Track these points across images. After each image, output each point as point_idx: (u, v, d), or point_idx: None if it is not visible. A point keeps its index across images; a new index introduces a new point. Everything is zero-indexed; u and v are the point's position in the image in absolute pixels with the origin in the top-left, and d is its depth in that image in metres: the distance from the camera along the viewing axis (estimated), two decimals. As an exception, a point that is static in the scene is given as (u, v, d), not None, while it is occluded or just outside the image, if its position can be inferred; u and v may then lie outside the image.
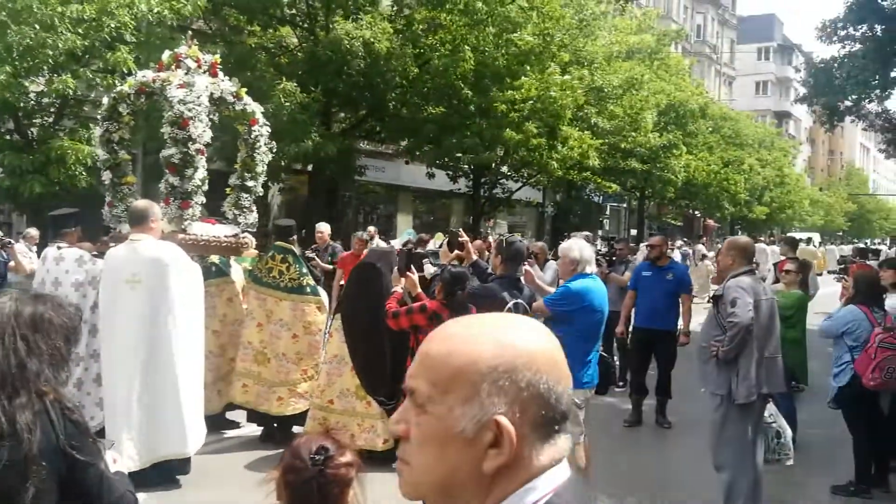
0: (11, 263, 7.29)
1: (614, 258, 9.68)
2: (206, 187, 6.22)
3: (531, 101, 17.14)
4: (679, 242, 27.22)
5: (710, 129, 33.27)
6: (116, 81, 12.24)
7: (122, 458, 5.29)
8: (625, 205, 39.00)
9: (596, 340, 5.35)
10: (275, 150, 6.96)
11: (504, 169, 22.84)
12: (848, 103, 17.45)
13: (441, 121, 17.70)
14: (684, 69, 31.52)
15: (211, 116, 6.43)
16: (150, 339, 5.40)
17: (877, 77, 15.80)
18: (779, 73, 63.44)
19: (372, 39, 14.57)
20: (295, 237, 6.87)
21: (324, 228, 11.29)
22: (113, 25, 13.70)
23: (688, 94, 29.14)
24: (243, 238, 6.56)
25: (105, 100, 6.46)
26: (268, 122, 6.79)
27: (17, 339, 2.10)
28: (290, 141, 15.06)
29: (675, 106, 27.89)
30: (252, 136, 6.63)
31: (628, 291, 8.29)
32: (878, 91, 16.53)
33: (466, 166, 22.43)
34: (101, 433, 5.68)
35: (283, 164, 16.35)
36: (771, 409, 5.36)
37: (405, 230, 24.15)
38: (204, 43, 15.64)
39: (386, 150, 23.13)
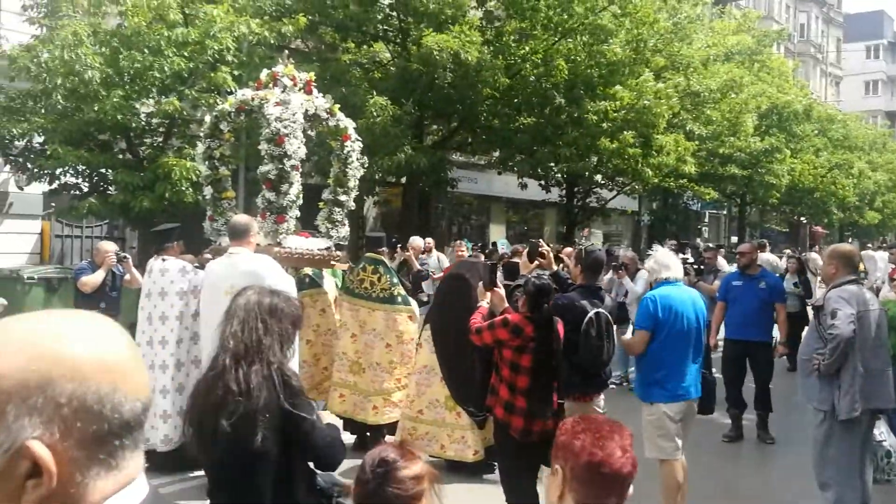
0: (127, 277, 7.67)
1: (702, 266, 9.41)
2: (300, 202, 6.40)
3: (625, 111, 16.89)
4: (787, 251, 26.13)
5: (816, 131, 31.97)
6: (218, 101, 12.83)
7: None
8: (724, 212, 37.90)
9: (685, 349, 5.14)
10: (366, 165, 7.08)
11: (598, 178, 22.60)
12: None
13: (533, 131, 17.66)
14: (787, 70, 30.40)
15: (307, 132, 6.64)
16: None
17: None
18: (889, 72, 60.38)
19: (460, 50, 14.66)
20: (385, 248, 6.99)
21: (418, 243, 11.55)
22: (216, 48, 14.33)
23: (791, 95, 28.08)
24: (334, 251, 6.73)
25: (207, 118, 6.77)
26: (360, 138, 6.94)
27: (258, 321, 2.70)
28: (383, 154, 15.35)
29: (777, 108, 26.94)
30: (344, 152, 6.81)
31: (718, 303, 8.03)
32: None
33: (559, 176, 22.32)
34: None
35: (376, 177, 16.66)
36: (882, 427, 5.11)
37: (498, 240, 24.22)
38: (300, 61, 16.18)
39: (478, 161, 23.24)
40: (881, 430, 5.05)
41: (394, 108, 15.38)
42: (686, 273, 9.26)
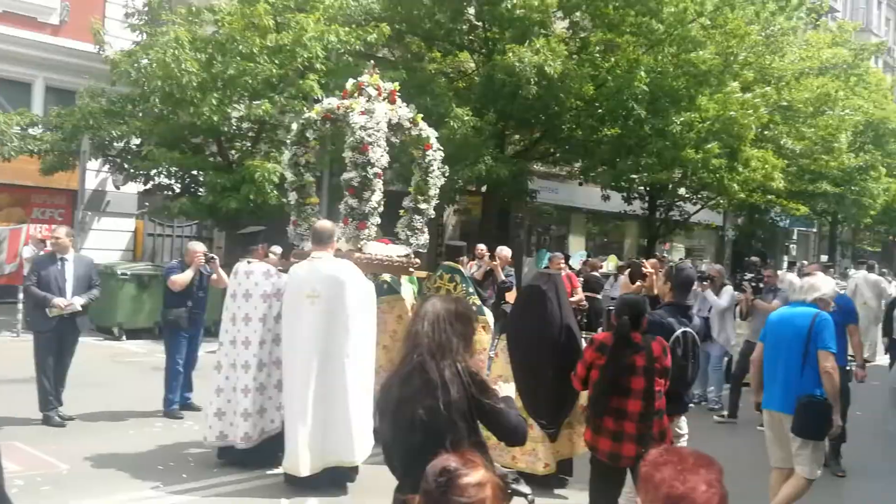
0: (214, 277, 7.96)
1: (762, 285, 9.14)
2: (381, 209, 6.52)
3: (709, 122, 16.56)
4: (884, 270, 24.95)
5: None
6: (305, 108, 13.19)
7: (298, 462, 5.67)
8: (814, 230, 36.61)
9: (774, 360, 5.35)
10: (447, 174, 7.16)
11: (681, 191, 22.20)
12: None
13: (616, 142, 17.48)
14: (885, 85, 29.18)
15: (391, 139, 6.76)
16: (325, 350, 5.74)
17: None
18: None
19: (544, 64, 14.64)
20: (464, 258, 7.04)
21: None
22: (305, 55, 14.71)
23: (888, 111, 26.93)
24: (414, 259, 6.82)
25: (294, 125, 6.97)
26: (441, 147, 7.01)
27: (446, 324, 3.05)
28: (463, 164, 15.44)
29: (873, 124, 25.90)
30: (426, 161, 6.90)
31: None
32: None
33: (642, 188, 22.02)
34: (279, 436, 6.11)
35: (457, 186, 16.75)
36: None
37: (577, 252, 24.02)
38: (385, 69, 16.45)
39: (559, 172, 23.12)
40: None
41: (475, 119, 15.45)
42: (743, 291, 9.10)
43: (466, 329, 3.15)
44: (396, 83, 6.99)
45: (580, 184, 22.37)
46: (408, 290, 7.47)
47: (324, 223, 6.04)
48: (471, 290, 6.84)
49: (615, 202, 22.32)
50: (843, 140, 22.38)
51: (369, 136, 6.18)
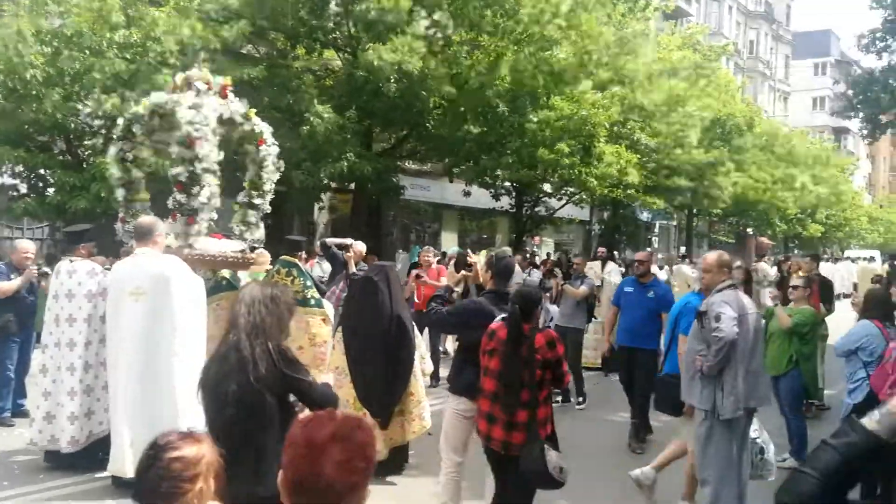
0: (43, 283, 7.67)
1: (571, 271, 9.75)
2: (217, 204, 6.46)
3: (563, 121, 17.18)
4: (738, 263, 26.44)
5: (761, 146, 32.72)
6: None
7: (124, 464, 5.57)
8: (674, 223, 38.54)
9: None
10: (282, 169, 7.14)
11: (546, 187, 22.91)
12: (890, 117, 17.05)
13: (479, 140, 17.86)
14: (733, 85, 31.07)
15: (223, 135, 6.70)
16: (150, 349, 5.66)
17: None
18: (836, 89, 62.09)
19: (402, 62, 14.81)
20: (303, 252, 7.06)
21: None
22: (158, 50, 14.31)
23: (735, 109, 28.70)
24: (258, 253, 6.79)
25: (120, 120, 6.81)
26: (276, 142, 7.00)
27: (262, 306, 3.33)
28: (326, 161, 15.43)
29: (720, 121, 27.54)
30: (260, 156, 6.88)
31: (611, 307, 8.25)
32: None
33: (508, 184, 22.60)
34: (108, 439, 5.97)
35: (323, 183, 16.69)
36: (755, 425, 5.35)
37: (450, 248, 24.39)
38: (245, 65, 16.22)
39: (431, 170, 23.42)
40: (755, 428, 5.30)
41: (337, 116, 15.46)
42: (554, 276, 9.68)
43: (281, 311, 3.42)
44: (228, 77, 6.91)
45: (450, 181, 22.76)
46: None
47: (145, 218, 5.96)
48: (308, 283, 6.86)
49: (487, 198, 22.84)
50: (692, 136, 23.68)
51: (196, 130, 6.12)
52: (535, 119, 17.15)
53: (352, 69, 16.34)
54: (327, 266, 9.58)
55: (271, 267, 6.96)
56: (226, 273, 7.02)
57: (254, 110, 6.86)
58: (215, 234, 6.67)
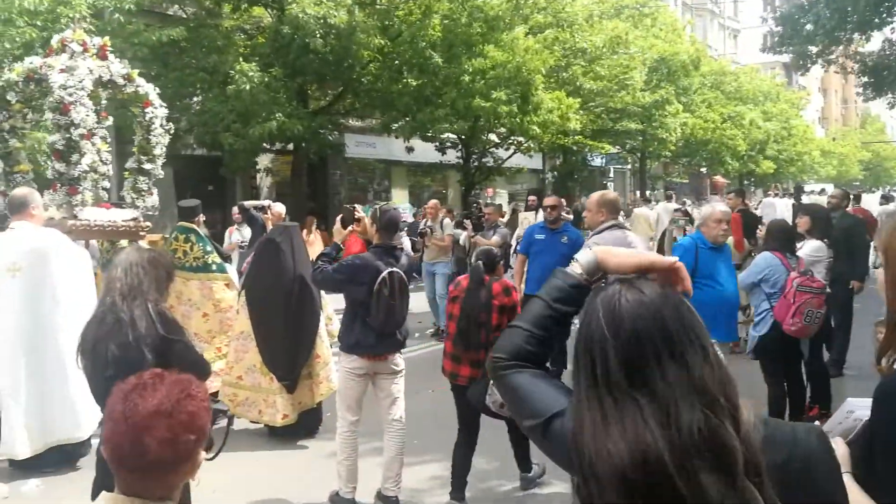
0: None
1: (483, 221, 9.67)
2: (99, 173, 6.18)
3: (498, 69, 16.88)
4: (686, 200, 26.65)
5: (709, 84, 32.70)
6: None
7: (15, 444, 5.37)
8: (629, 167, 38.59)
9: None
10: (171, 131, 6.86)
11: (491, 137, 22.67)
12: (816, 49, 17.03)
13: (416, 93, 17.52)
14: (679, 24, 30.88)
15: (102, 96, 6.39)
16: (32, 326, 5.44)
17: (846, 24, 15.35)
18: (766, 27, 62.11)
19: (327, 16, 14.40)
20: (200, 217, 6.81)
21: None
22: (71, 16, 13.70)
23: (679, 48, 28.53)
24: (144, 222, 6.54)
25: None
26: (165, 105, 6.70)
27: (139, 268, 3.40)
28: (255, 121, 15.04)
29: (665, 61, 27.38)
30: (146, 119, 6.58)
31: (518, 255, 7.93)
32: (846, 35, 16.07)
33: (455, 137, 22.33)
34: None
35: (255, 145, 16.30)
36: None
37: (400, 204, 24.14)
38: (166, 25, 15.68)
39: (376, 127, 23.05)
40: None
41: (262, 74, 15.02)
42: (464, 228, 9.59)
43: (159, 273, 3.51)
44: (107, 38, 6.57)
45: (396, 137, 22.40)
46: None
47: (18, 190, 5.66)
48: (208, 248, 6.65)
49: (433, 153, 22.57)
50: (636, 78, 23.52)
51: (70, 95, 5.81)
52: (470, 69, 16.80)
53: (278, 25, 15.86)
54: (248, 232, 9.35)
55: (167, 236, 6.73)
56: (124, 243, 6.77)
57: (137, 71, 6.54)
58: (102, 204, 6.39)
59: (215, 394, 6.54)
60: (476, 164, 23.76)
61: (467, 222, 9.50)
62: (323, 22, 14.72)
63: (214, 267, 6.64)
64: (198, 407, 1.78)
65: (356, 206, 5.35)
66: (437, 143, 22.21)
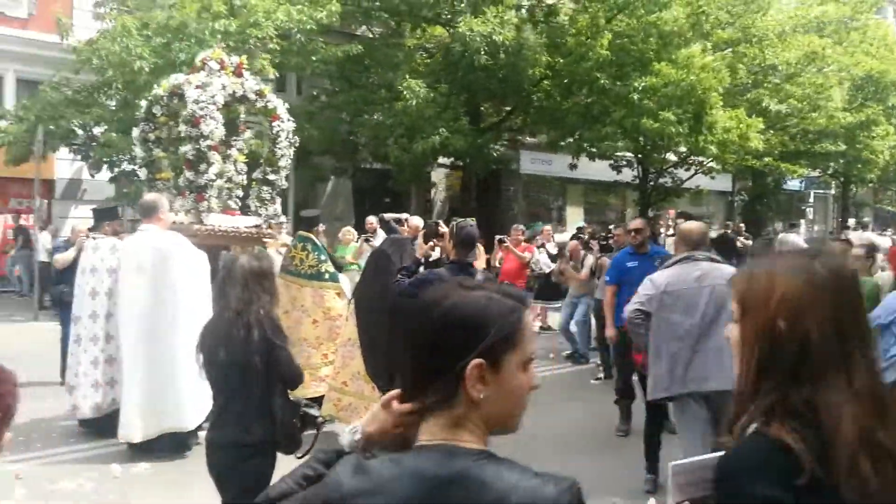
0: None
1: (611, 243, 9.15)
2: (225, 181, 6.62)
3: (669, 87, 16.21)
4: (890, 231, 24.29)
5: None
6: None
7: (131, 429, 5.85)
8: (832, 191, 35.69)
9: None
10: (296, 144, 7.21)
11: (669, 157, 21.83)
12: None
13: (584, 111, 17.27)
14: (890, 37, 28.14)
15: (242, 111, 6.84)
16: (151, 320, 5.91)
17: None
18: None
19: (492, 34, 14.56)
20: (320, 227, 7.09)
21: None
22: (259, 36, 14.85)
23: (889, 64, 25.96)
24: (274, 227, 6.91)
25: (143, 102, 7.10)
26: (293, 118, 7.06)
27: (252, 276, 3.57)
28: (420, 136, 15.47)
29: (874, 79, 25.04)
30: (273, 132, 6.96)
31: (608, 287, 7.16)
32: None
33: (630, 155, 21.77)
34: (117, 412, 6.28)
35: (421, 159, 16.71)
36: None
37: (575, 222, 23.83)
38: (346, 43, 16.54)
39: (543, 143, 22.96)
40: None
41: (428, 91, 15.42)
42: (590, 248, 9.11)
43: (269, 282, 3.70)
44: (244, 56, 7.03)
45: (581, 156, 22.04)
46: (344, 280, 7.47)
47: (148, 196, 6.19)
48: (323, 257, 6.91)
49: (610, 171, 22.22)
50: (836, 97, 21.73)
51: (202, 109, 6.28)
52: (640, 87, 16.28)
53: (448, 43, 16.25)
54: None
55: (289, 245, 7.05)
56: (330, 267, 7.08)
57: (268, 88, 6.94)
58: (229, 211, 6.83)
59: (318, 399, 6.78)
60: (652, 183, 22.99)
61: (594, 243, 9.19)
62: (489, 40, 14.90)
63: (327, 276, 6.89)
64: (4, 389, 1.85)
65: (439, 221, 5.36)
66: (612, 162, 21.77)
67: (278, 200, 7.22)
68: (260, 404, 3.55)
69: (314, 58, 15.80)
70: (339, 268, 7.44)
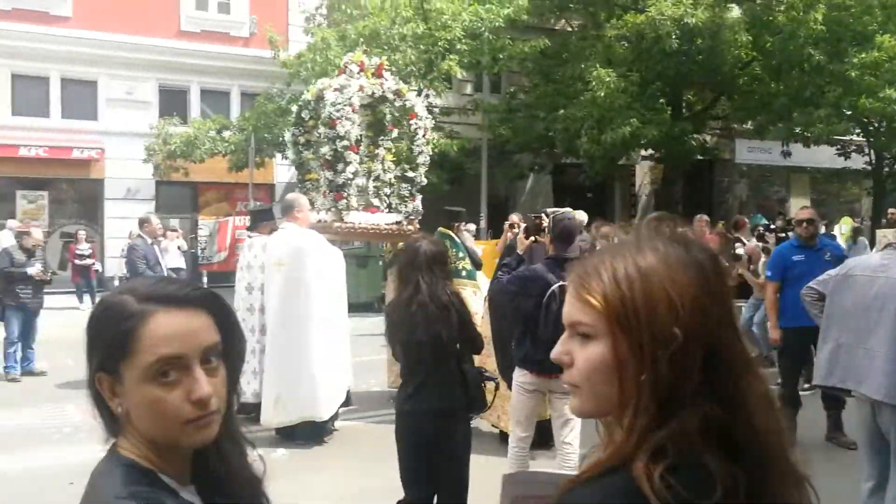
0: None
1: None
2: (360, 180, 6.83)
3: (894, 61, 14.36)
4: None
5: None
6: (446, 88, 13.47)
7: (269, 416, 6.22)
8: None
9: None
10: (433, 142, 7.25)
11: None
12: None
13: (794, 93, 15.84)
14: None
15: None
16: (289, 313, 6.24)
17: None
18: None
19: (683, 15, 13.76)
20: (462, 224, 7.10)
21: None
22: (447, 38, 15.22)
23: None
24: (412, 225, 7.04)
25: (294, 108, 7.50)
26: (430, 116, 7.13)
27: (435, 259, 3.90)
28: (609, 127, 15.00)
29: None
30: (411, 130, 7.07)
31: (770, 284, 6.42)
32: None
33: (861, 139, 19.72)
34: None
35: (617, 151, 16.19)
36: None
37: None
38: (529, 38, 16.43)
39: (748, 130, 21.40)
40: None
41: (619, 80, 14.90)
42: (766, 241, 8.01)
43: (447, 264, 4.09)
44: (385, 57, 7.20)
45: (795, 141, 20.33)
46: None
47: (290, 195, 6.51)
48: (461, 254, 6.91)
49: (838, 158, 20.36)
50: None
51: (338, 111, 6.52)
52: (858, 63, 14.59)
53: (638, 29, 15.60)
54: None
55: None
56: (467, 264, 7.24)
57: (407, 87, 7.06)
58: (371, 209, 7.04)
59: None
60: (887, 170, 20.62)
61: (769, 235, 8.26)
62: (681, 23, 14.12)
63: (464, 273, 6.88)
64: None
65: (542, 214, 5.15)
66: (838, 147, 19.82)
67: (418, 197, 7.33)
68: (456, 373, 3.92)
69: (501, 55, 15.87)
70: (479, 265, 7.40)
